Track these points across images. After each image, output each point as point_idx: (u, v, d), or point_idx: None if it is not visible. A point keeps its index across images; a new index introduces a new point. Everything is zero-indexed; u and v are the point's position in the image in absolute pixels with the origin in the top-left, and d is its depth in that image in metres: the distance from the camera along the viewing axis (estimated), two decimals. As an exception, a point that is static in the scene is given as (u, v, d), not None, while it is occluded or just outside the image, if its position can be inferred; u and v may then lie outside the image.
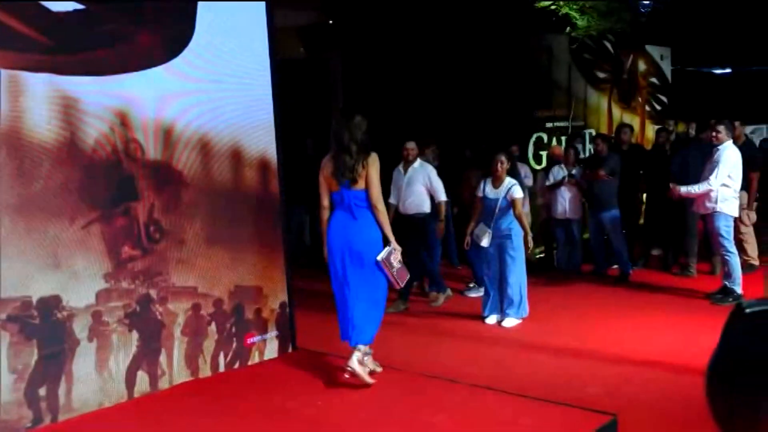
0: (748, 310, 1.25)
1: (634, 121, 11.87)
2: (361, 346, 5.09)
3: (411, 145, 7.44)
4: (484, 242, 6.75)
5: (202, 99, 5.33)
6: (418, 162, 7.46)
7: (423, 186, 7.31)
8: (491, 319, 6.88)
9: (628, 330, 6.48)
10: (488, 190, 6.76)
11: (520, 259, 6.78)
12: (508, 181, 6.72)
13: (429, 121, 9.92)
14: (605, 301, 7.56)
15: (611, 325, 6.71)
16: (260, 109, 5.74)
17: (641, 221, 9.35)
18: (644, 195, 9.28)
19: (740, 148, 7.72)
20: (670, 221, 8.66)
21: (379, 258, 5.01)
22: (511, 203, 6.65)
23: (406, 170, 7.44)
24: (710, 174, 7.13)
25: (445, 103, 10.04)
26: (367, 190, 4.99)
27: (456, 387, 5.12)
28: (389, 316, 7.00)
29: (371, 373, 5.17)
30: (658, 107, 12.51)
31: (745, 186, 7.98)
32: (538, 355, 5.86)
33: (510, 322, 6.76)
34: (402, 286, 5.22)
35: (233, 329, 5.66)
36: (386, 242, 5.06)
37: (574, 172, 8.70)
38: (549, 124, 10.18)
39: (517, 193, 6.66)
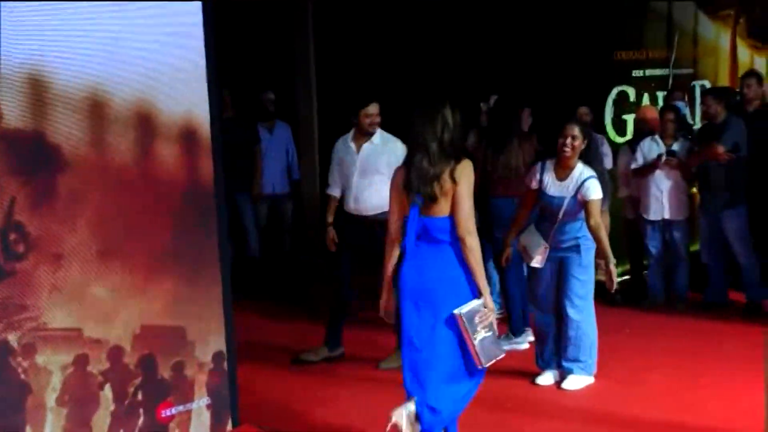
0: None
1: (772, 67, 11.86)
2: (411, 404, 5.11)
3: (373, 110, 7.55)
4: (536, 261, 6.79)
5: (91, 32, 5.27)
6: (379, 135, 7.49)
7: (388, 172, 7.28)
8: (546, 378, 6.94)
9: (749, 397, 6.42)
10: (549, 181, 6.79)
11: (590, 287, 6.82)
12: (581, 170, 6.66)
13: (437, 73, 9.97)
14: (726, 350, 7.57)
15: (736, 389, 6.69)
16: (184, 47, 5.71)
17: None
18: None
19: None
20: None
21: (456, 312, 5.05)
22: (584, 206, 6.62)
23: (359, 148, 7.52)
24: None
25: (460, 45, 10.05)
26: (452, 215, 5.09)
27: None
28: (386, 373, 7.04)
29: None
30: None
31: None
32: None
33: (574, 382, 6.82)
34: (485, 365, 5.19)
35: (139, 395, 5.60)
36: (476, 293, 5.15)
37: (675, 147, 8.68)
38: (638, 73, 10.16)
39: (595, 191, 6.60)
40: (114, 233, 5.44)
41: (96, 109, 5.34)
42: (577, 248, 6.73)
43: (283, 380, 7.10)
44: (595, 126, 9.19)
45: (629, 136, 9.85)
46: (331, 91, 11.37)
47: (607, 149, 9.11)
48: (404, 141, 6.21)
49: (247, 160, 9.69)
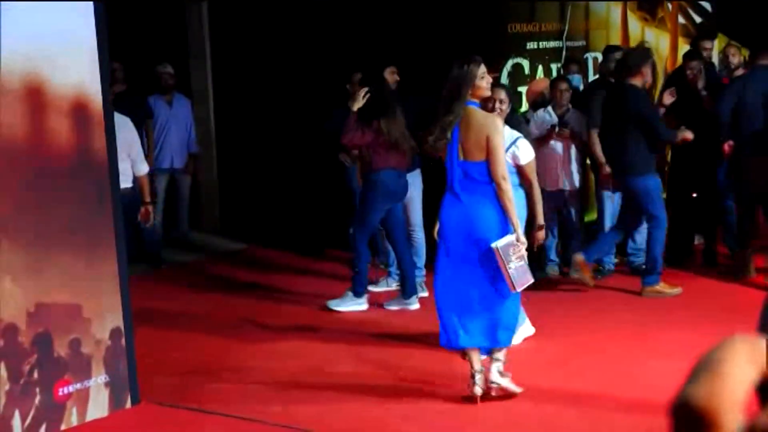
0: None
1: (662, 39, 12.05)
2: (498, 354, 5.90)
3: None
4: None
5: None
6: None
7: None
8: None
9: (654, 361, 6.59)
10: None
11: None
12: (510, 132, 6.71)
13: (343, 56, 9.99)
14: (619, 317, 7.72)
15: (628, 353, 6.84)
16: (73, 20, 5.63)
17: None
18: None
19: None
20: (708, 195, 8.96)
21: (494, 245, 5.69)
22: (518, 170, 6.73)
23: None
24: None
25: (357, 20, 10.06)
26: (487, 160, 5.74)
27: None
28: (287, 342, 7.05)
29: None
30: (698, 19, 12.74)
31: None
32: (515, 402, 5.93)
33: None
34: (518, 290, 5.85)
35: (35, 374, 5.55)
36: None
37: (568, 116, 8.79)
38: (531, 45, 10.25)
39: (526, 154, 6.77)
40: (3, 209, 5.38)
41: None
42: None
43: (185, 354, 7.06)
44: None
45: (525, 107, 9.93)
46: (226, 64, 11.28)
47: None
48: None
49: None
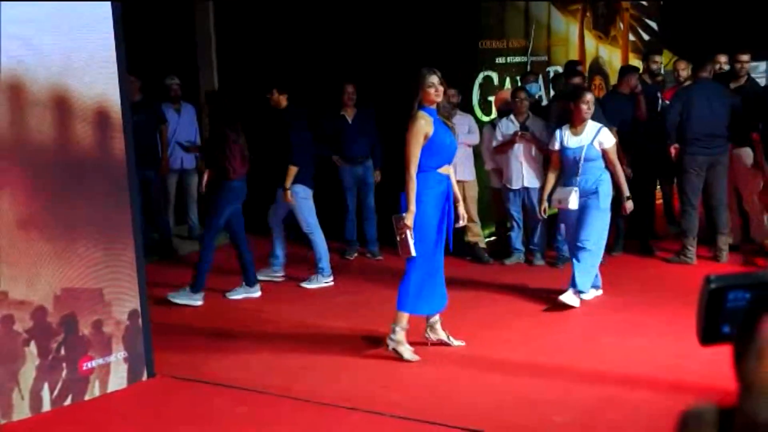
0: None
1: (614, 54, 12.09)
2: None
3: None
4: (572, 203, 7.38)
5: (9, 23, 5.14)
6: None
7: None
8: (590, 294, 7.61)
9: (609, 338, 6.63)
10: (567, 138, 7.51)
11: (604, 220, 7.47)
12: (593, 124, 7.48)
13: (332, 66, 9.99)
14: (582, 300, 7.69)
15: (587, 332, 6.87)
16: (94, 36, 5.61)
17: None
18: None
19: (744, 88, 8.37)
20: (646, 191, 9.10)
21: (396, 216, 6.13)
22: (603, 153, 7.40)
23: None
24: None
25: (351, 38, 10.04)
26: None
27: (376, 420, 5.17)
28: (290, 324, 7.06)
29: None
30: (647, 37, 12.79)
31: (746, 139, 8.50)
32: (486, 375, 5.94)
33: (570, 298, 7.33)
34: (403, 256, 6.16)
35: (62, 351, 5.55)
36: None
37: (528, 123, 8.80)
38: (500, 60, 10.26)
39: (607, 138, 7.45)
40: (34, 203, 5.38)
41: (14, 94, 5.25)
42: (596, 192, 7.36)
43: (193, 335, 7.05)
44: (464, 106, 9.28)
45: (494, 115, 9.95)
46: (231, 75, 11.26)
47: (474, 127, 9.18)
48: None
49: (153, 139, 9.58)
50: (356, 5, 10.06)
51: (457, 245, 9.15)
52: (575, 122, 7.50)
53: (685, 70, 9.17)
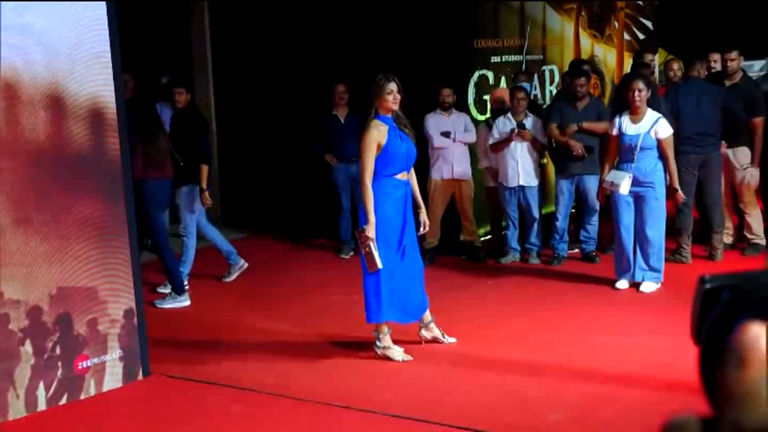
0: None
1: (610, 53, 12.09)
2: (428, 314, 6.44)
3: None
4: (623, 188, 7.49)
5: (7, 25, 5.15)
6: None
7: None
8: (622, 284, 7.81)
9: (603, 337, 6.64)
10: (625, 125, 7.61)
11: (663, 210, 7.66)
12: (651, 113, 7.62)
13: (325, 65, 10.02)
14: (572, 299, 7.74)
15: (581, 330, 6.87)
16: (89, 35, 5.61)
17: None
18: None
19: (738, 86, 8.41)
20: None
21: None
22: (658, 142, 7.53)
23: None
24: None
25: (345, 38, 10.05)
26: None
27: (371, 419, 5.18)
28: (286, 325, 7.05)
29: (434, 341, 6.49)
30: (641, 36, 12.80)
31: (743, 137, 8.54)
32: (481, 373, 5.96)
33: (649, 286, 7.70)
34: (370, 269, 6.06)
35: (57, 350, 5.56)
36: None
37: (526, 122, 8.80)
38: (495, 58, 10.26)
39: (664, 128, 7.55)
40: (27, 202, 5.38)
41: (9, 94, 5.25)
42: (652, 183, 7.57)
43: (188, 333, 7.05)
44: (459, 105, 9.28)
45: (489, 114, 9.94)
46: (226, 73, 11.27)
47: (471, 126, 9.18)
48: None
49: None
50: (351, 5, 10.06)
51: (453, 244, 9.21)
52: (632, 110, 7.62)
53: (679, 70, 9.16)
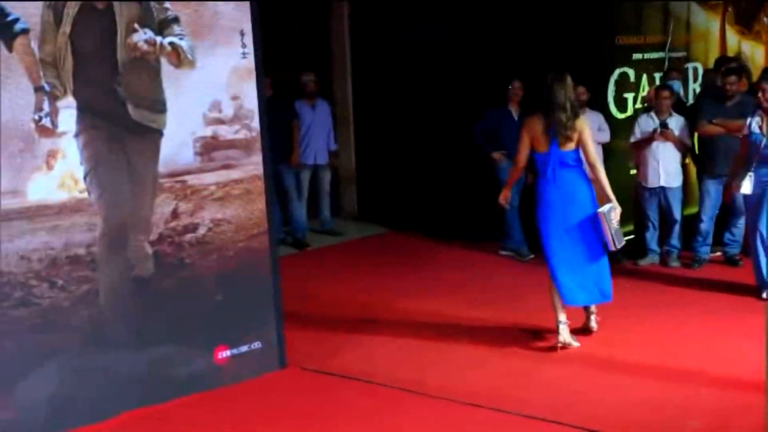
0: None
1: (757, 50, 11.71)
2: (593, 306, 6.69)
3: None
4: (745, 188, 7.37)
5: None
6: None
7: None
8: None
9: (746, 343, 6.39)
10: (755, 126, 7.45)
11: None
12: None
13: (464, 65, 10.00)
14: (714, 303, 7.53)
15: (721, 336, 6.67)
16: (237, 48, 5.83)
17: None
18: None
19: None
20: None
21: (600, 210, 6.27)
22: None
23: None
24: None
25: (489, 36, 10.05)
26: (577, 149, 6.37)
27: (501, 418, 5.18)
28: (418, 325, 7.08)
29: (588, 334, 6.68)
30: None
31: None
32: (615, 376, 5.87)
33: None
34: (617, 248, 6.41)
35: (199, 340, 5.74)
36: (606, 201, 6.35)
37: (670, 122, 8.59)
38: (637, 56, 10.08)
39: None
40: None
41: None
42: None
43: (326, 327, 7.13)
44: (593, 104, 9.15)
45: (629, 113, 9.78)
46: (364, 72, 11.40)
47: (605, 125, 9.03)
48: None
49: (285, 135, 9.76)
50: (493, 3, 10.04)
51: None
52: (764, 110, 7.42)
53: None
